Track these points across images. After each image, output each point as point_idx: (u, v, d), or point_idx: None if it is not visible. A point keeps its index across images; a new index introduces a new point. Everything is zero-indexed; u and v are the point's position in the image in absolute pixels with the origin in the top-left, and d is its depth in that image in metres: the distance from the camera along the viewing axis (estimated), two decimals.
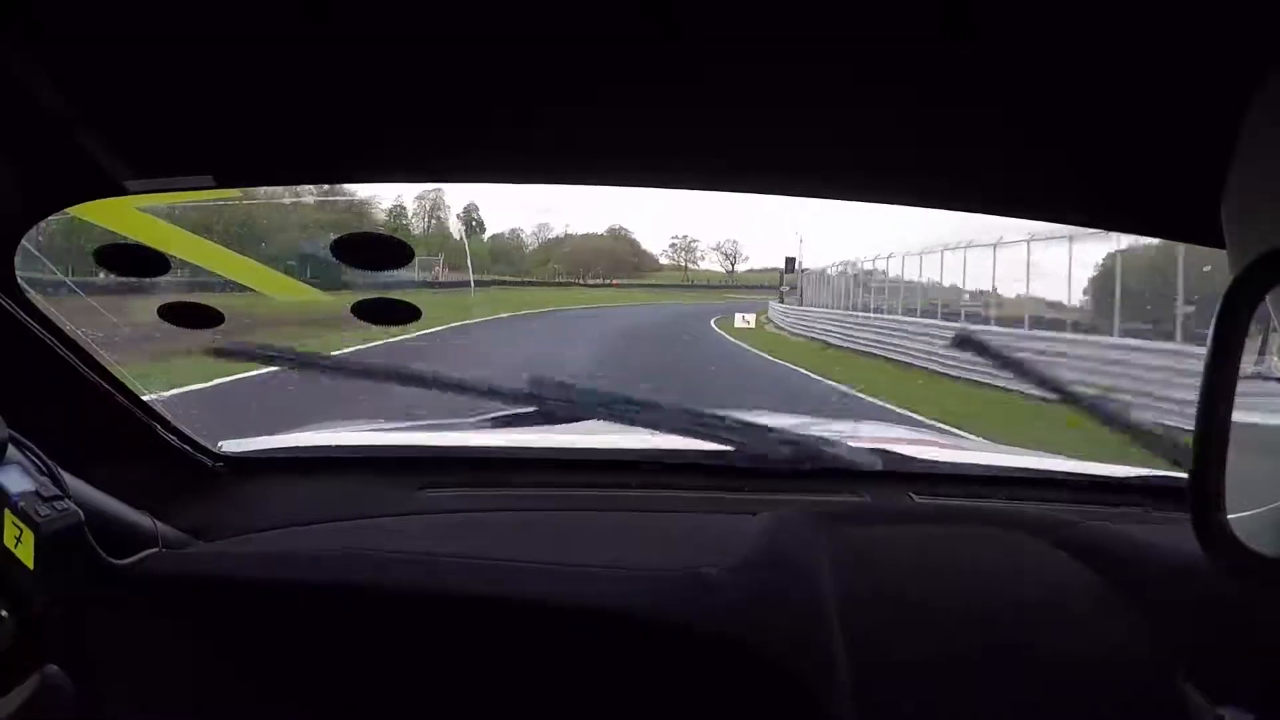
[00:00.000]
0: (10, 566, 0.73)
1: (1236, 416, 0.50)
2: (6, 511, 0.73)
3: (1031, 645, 0.89)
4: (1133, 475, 1.30)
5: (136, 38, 0.66)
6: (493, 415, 1.43)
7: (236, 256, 1.15)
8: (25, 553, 0.73)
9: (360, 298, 1.04)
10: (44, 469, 0.78)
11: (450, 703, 0.95)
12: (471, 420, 1.40)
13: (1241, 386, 0.51)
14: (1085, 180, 0.82)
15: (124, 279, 1.02)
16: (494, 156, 0.90)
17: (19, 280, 0.88)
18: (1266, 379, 0.59)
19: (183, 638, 0.94)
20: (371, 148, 0.87)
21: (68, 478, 0.81)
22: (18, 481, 0.74)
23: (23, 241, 0.88)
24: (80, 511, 0.78)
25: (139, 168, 0.85)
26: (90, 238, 1.00)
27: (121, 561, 0.88)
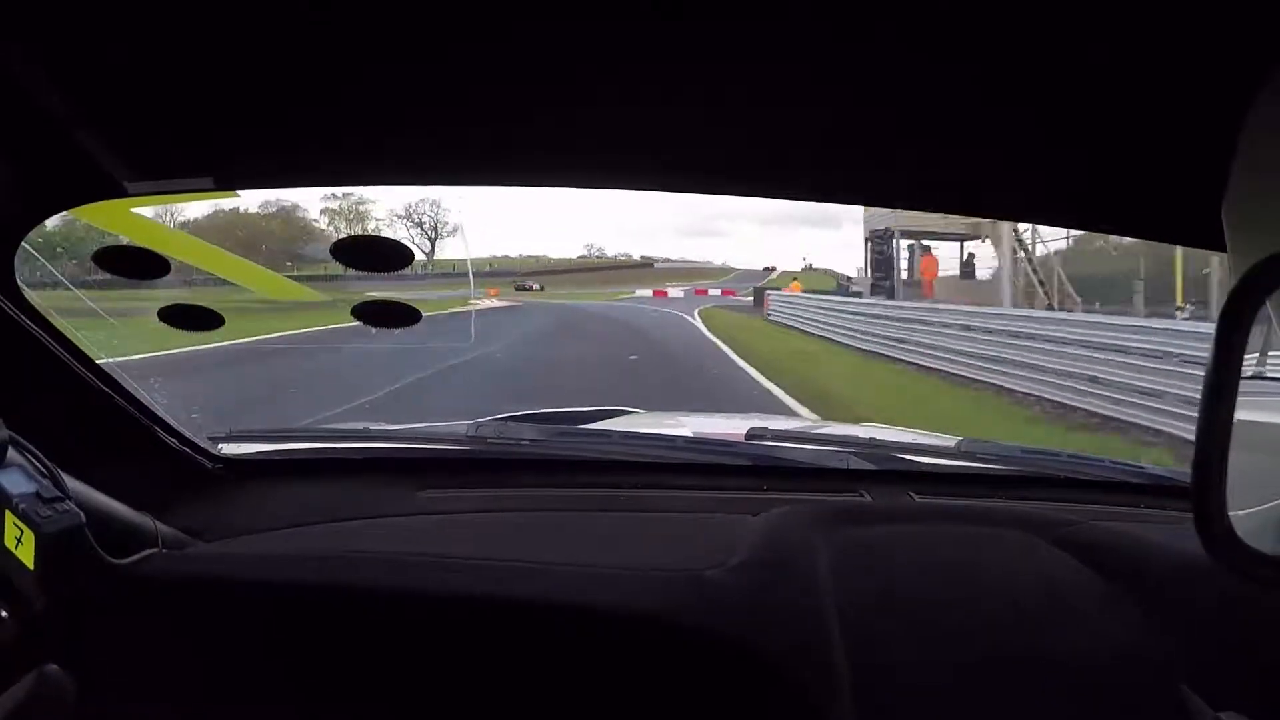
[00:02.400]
0: (11, 567, 0.73)
1: (1239, 415, 0.50)
2: (8, 513, 0.72)
3: (1032, 645, 0.89)
4: (1134, 474, 1.30)
5: (137, 38, 0.66)
6: (492, 417, 1.43)
7: (232, 257, 1.15)
8: (26, 553, 0.73)
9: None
10: (44, 470, 0.78)
11: (450, 703, 0.95)
12: (470, 421, 1.40)
13: (1243, 386, 0.51)
14: (1086, 183, 0.82)
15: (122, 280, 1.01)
16: (494, 158, 0.90)
17: (19, 282, 0.88)
18: (1268, 379, 0.60)
19: (182, 638, 0.93)
20: (371, 150, 0.87)
21: (68, 479, 0.81)
22: (19, 483, 0.74)
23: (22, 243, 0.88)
24: (81, 513, 0.78)
25: (139, 169, 0.85)
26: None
27: (121, 561, 0.87)
